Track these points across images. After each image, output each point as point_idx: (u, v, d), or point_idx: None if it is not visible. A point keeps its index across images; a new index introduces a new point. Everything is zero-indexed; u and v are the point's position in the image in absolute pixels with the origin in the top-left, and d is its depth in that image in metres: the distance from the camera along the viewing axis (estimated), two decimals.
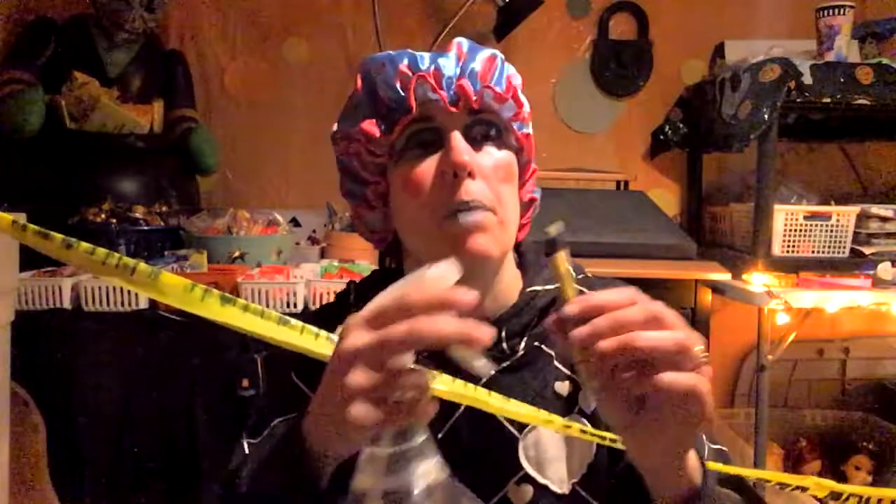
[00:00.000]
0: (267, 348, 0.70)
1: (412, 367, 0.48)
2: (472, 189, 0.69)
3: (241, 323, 0.63)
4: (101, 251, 0.59)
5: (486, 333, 0.48)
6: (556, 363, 0.77)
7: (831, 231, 1.94)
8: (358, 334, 0.50)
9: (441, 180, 0.70)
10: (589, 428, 0.72)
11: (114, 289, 1.70)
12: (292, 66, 2.44)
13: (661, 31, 2.48)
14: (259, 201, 2.36)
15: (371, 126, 0.72)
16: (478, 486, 0.60)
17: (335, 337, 0.68)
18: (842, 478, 2.16)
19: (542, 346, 0.77)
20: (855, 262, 1.93)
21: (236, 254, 1.94)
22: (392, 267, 0.85)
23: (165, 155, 2.18)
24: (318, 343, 0.66)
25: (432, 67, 0.70)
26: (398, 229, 0.77)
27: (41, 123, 1.97)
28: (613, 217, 2.02)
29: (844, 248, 1.95)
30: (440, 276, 0.51)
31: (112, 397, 1.69)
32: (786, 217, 1.92)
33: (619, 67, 2.48)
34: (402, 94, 0.70)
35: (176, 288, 0.60)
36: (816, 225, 1.93)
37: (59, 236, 0.59)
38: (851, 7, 1.88)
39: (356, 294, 0.84)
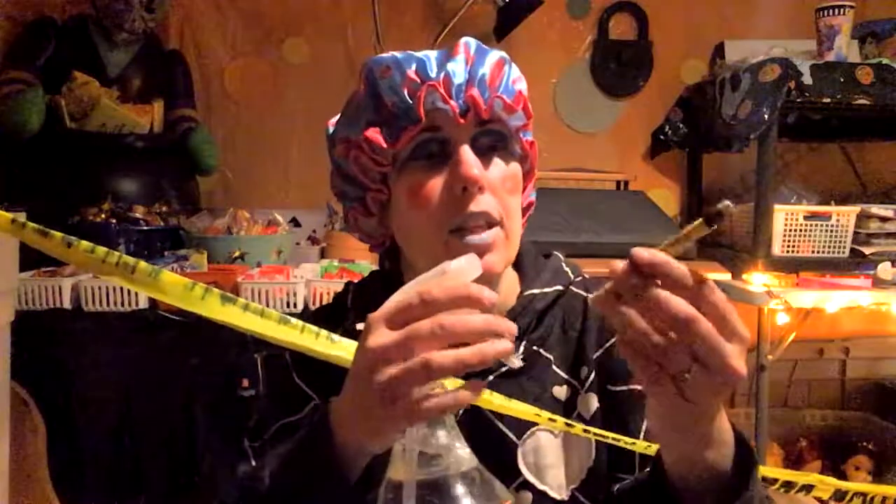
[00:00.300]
0: (267, 348, 0.69)
1: (425, 358, 0.48)
2: (481, 202, 0.68)
3: (241, 322, 0.63)
4: (101, 250, 0.59)
5: (511, 328, 0.49)
6: (554, 367, 0.77)
7: (831, 231, 1.93)
8: (382, 332, 0.50)
9: (449, 194, 0.69)
10: (591, 428, 0.72)
11: (114, 289, 1.70)
12: (292, 66, 2.44)
13: (661, 31, 2.48)
14: (259, 201, 2.36)
15: (375, 135, 0.70)
16: None
17: (335, 336, 0.68)
18: (842, 478, 2.16)
19: (541, 351, 0.77)
20: (855, 262, 1.93)
21: (236, 254, 1.94)
22: (390, 269, 0.84)
23: (165, 155, 2.18)
24: (318, 342, 0.66)
25: (442, 75, 0.68)
26: (399, 238, 0.76)
27: (41, 123, 1.97)
28: (613, 217, 2.02)
29: (844, 248, 1.94)
30: (462, 271, 0.52)
31: (112, 397, 1.69)
32: (786, 217, 1.92)
33: (619, 67, 2.48)
34: (410, 102, 0.68)
35: (176, 287, 0.60)
36: (816, 225, 1.93)
37: (59, 235, 0.59)
38: (851, 7, 1.88)
39: (354, 295, 0.83)
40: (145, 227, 1.98)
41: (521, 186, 0.75)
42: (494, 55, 0.72)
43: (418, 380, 0.48)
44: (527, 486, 0.73)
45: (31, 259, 1.65)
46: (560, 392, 0.76)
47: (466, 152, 0.68)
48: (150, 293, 0.61)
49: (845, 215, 1.93)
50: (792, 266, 1.91)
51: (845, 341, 2.46)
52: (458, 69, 0.69)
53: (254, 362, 1.68)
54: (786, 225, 1.92)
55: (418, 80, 0.69)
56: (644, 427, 0.74)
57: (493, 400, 0.68)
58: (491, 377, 0.73)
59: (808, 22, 1.96)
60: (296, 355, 0.69)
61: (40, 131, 1.97)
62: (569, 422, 0.70)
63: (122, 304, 1.70)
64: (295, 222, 2.35)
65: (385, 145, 0.70)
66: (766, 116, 1.83)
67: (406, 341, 0.49)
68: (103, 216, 1.94)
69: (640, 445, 0.71)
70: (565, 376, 0.77)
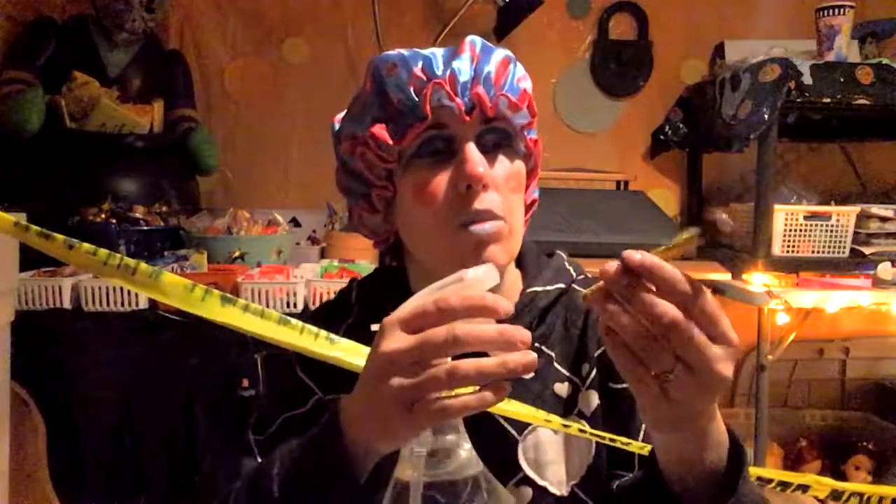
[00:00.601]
0: (267, 347, 0.69)
1: (450, 367, 0.48)
2: (485, 200, 0.69)
3: (241, 323, 0.63)
4: (103, 252, 0.59)
5: (525, 337, 0.49)
6: (555, 364, 0.77)
7: (831, 231, 1.94)
8: (397, 336, 0.50)
9: (454, 191, 0.69)
10: (588, 428, 0.72)
11: (114, 289, 1.70)
12: (292, 66, 2.44)
13: (661, 31, 2.48)
14: (259, 201, 2.36)
15: (381, 131, 0.70)
16: None
17: (335, 336, 0.68)
18: (842, 478, 2.16)
19: (543, 348, 0.77)
20: (855, 262, 1.93)
21: (236, 254, 1.94)
22: (394, 266, 0.84)
23: (165, 155, 2.18)
24: (317, 343, 0.66)
25: (448, 72, 0.69)
26: (404, 235, 0.76)
27: (41, 123, 1.97)
28: (613, 217, 2.02)
29: (844, 248, 1.95)
30: (479, 279, 0.52)
31: (112, 397, 1.69)
32: (786, 217, 1.92)
33: (619, 67, 2.48)
34: (416, 99, 0.69)
35: (177, 288, 0.61)
36: (816, 225, 1.93)
37: (60, 237, 0.59)
38: (851, 7, 1.88)
39: (358, 292, 0.83)
40: (145, 228, 1.98)
41: (524, 184, 0.75)
42: (500, 53, 0.72)
43: (440, 387, 0.49)
44: (527, 481, 0.73)
45: (31, 259, 1.65)
46: (561, 389, 0.76)
47: (472, 150, 0.69)
48: (151, 294, 0.61)
49: (845, 215, 1.93)
50: (792, 266, 1.91)
51: (845, 341, 2.46)
52: (463, 67, 0.70)
53: (254, 362, 1.68)
54: (786, 225, 1.92)
55: (424, 78, 0.69)
56: (644, 426, 0.74)
57: None
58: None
59: (808, 22, 1.96)
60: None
61: (40, 131, 1.97)
62: (565, 422, 0.70)
63: (122, 304, 1.71)
64: (295, 222, 2.35)
65: (391, 142, 0.70)
66: (766, 116, 1.83)
67: (420, 347, 0.49)
68: (103, 216, 1.94)
69: (636, 446, 0.71)
70: (567, 373, 0.77)
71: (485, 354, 0.50)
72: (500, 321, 0.50)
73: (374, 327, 0.53)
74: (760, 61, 1.90)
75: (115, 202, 1.99)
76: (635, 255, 0.47)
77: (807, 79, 1.83)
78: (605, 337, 0.51)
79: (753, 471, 0.72)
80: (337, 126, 0.79)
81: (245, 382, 1.68)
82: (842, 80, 1.84)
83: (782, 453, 2.23)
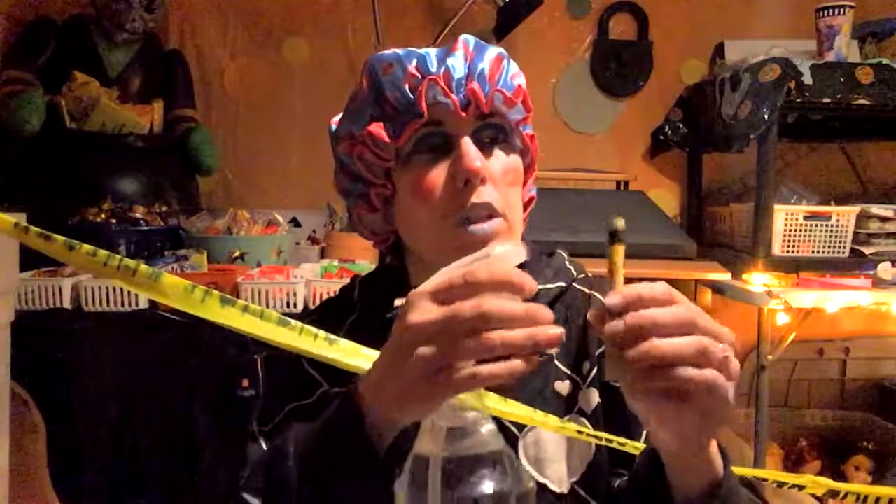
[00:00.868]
0: (267, 348, 0.70)
1: (477, 337, 0.49)
2: (483, 193, 0.69)
3: (240, 324, 0.63)
4: (103, 253, 0.59)
5: (550, 316, 0.49)
6: (556, 362, 0.77)
7: (831, 231, 1.94)
8: (425, 308, 0.51)
9: (452, 186, 0.69)
10: (585, 428, 0.72)
11: (114, 289, 1.70)
12: (292, 66, 2.44)
13: (661, 31, 2.48)
14: (259, 201, 2.36)
15: (379, 129, 0.71)
16: None
17: (333, 337, 0.68)
18: (842, 478, 2.16)
19: None
20: (855, 262, 1.93)
21: (236, 254, 1.94)
22: (395, 264, 0.84)
23: (165, 155, 2.18)
24: (316, 344, 0.66)
25: (442, 69, 0.70)
26: (403, 233, 0.77)
27: (41, 123, 1.97)
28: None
29: (844, 248, 1.95)
30: (506, 256, 0.53)
31: (112, 397, 1.69)
32: (786, 217, 1.92)
33: (619, 67, 2.48)
34: (412, 97, 0.70)
35: (176, 289, 0.61)
36: (816, 225, 1.93)
37: (61, 238, 0.59)
38: (851, 7, 1.88)
39: (361, 289, 0.84)
40: (145, 228, 1.98)
41: (522, 179, 0.76)
42: (493, 51, 0.73)
43: (466, 356, 0.49)
44: None
45: (31, 259, 1.65)
46: (562, 387, 0.77)
47: (468, 145, 0.69)
48: (151, 296, 0.61)
49: (845, 215, 1.93)
50: (792, 266, 1.91)
51: (845, 341, 2.45)
52: (457, 64, 0.70)
53: (254, 362, 1.68)
54: (786, 225, 1.93)
55: (419, 76, 0.70)
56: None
57: (486, 402, 0.68)
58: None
59: (808, 22, 1.96)
60: None
61: (40, 131, 1.98)
62: (562, 424, 0.70)
63: (122, 304, 1.71)
64: (295, 222, 2.35)
65: (388, 140, 0.71)
66: (766, 116, 1.83)
67: (447, 319, 0.49)
68: (103, 216, 1.94)
69: (631, 446, 0.71)
70: (567, 371, 0.77)
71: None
72: (524, 300, 0.50)
73: (399, 302, 0.53)
74: (760, 61, 1.90)
75: (115, 202, 1.99)
76: (616, 299, 0.50)
77: (807, 79, 1.83)
78: (608, 358, 0.53)
79: (750, 471, 0.72)
80: (334, 127, 0.79)
81: (245, 382, 1.68)
82: (842, 80, 1.84)
83: (782, 453, 2.22)
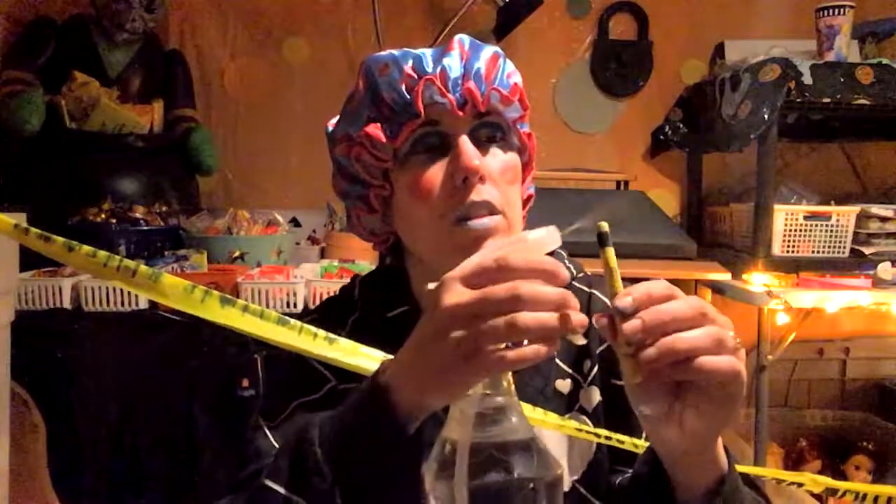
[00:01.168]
0: (267, 347, 0.69)
1: (510, 318, 0.49)
2: (482, 191, 0.69)
3: (240, 324, 0.63)
4: (103, 254, 0.59)
5: (577, 302, 0.50)
6: (557, 361, 0.77)
7: (831, 231, 1.94)
8: (458, 291, 0.50)
9: (450, 185, 0.69)
10: (584, 426, 0.72)
11: (114, 289, 1.70)
12: (292, 66, 2.44)
13: (661, 31, 2.48)
14: (259, 201, 2.36)
15: (376, 130, 0.71)
16: None
17: (333, 336, 0.68)
18: (842, 478, 2.16)
19: None
20: (855, 262, 1.93)
21: (236, 254, 1.94)
22: (394, 265, 0.84)
23: (165, 155, 2.18)
24: (316, 343, 0.66)
25: (438, 69, 0.70)
26: (402, 233, 0.77)
27: (41, 123, 1.97)
28: (613, 217, 2.01)
29: (844, 248, 1.95)
30: (541, 241, 0.53)
31: (112, 397, 1.69)
32: (786, 217, 1.92)
33: (619, 67, 2.48)
34: (409, 97, 0.70)
35: (176, 289, 0.61)
36: (816, 225, 1.93)
37: (60, 239, 0.59)
38: (851, 7, 1.88)
39: (361, 288, 0.83)
40: (145, 227, 1.98)
41: (520, 177, 0.76)
42: (488, 50, 0.73)
43: (499, 338, 0.49)
44: None
45: (31, 259, 1.65)
46: (563, 385, 0.77)
47: (466, 143, 0.69)
48: (151, 296, 0.61)
49: (845, 215, 1.93)
50: (792, 266, 1.91)
51: (845, 341, 2.45)
52: (453, 64, 0.70)
53: (254, 362, 1.68)
54: (786, 225, 1.93)
55: (415, 76, 0.70)
56: None
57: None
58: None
59: (808, 22, 1.96)
60: None
61: (40, 131, 1.98)
62: (562, 422, 0.70)
63: (122, 304, 1.71)
64: (295, 222, 2.35)
65: (385, 140, 0.71)
66: (766, 116, 1.83)
67: (481, 302, 0.49)
68: (103, 216, 1.94)
69: (629, 444, 0.72)
70: (568, 370, 0.77)
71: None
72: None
73: (431, 286, 0.53)
74: (760, 61, 1.90)
75: (115, 202, 1.99)
76: (626, 301, 0.50)
77: (807, 79, 1.83)
78: (626, 365, 0.53)
79: (750, 469, 0.72)
80: (331, 129, 0.79)
81: (245, 382, 1.68)
82: (842, 80, 1.84)
83: (782, 453, 2.22)
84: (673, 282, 0.53)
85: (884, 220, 1.96)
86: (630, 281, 0.54)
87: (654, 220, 2.05)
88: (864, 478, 2.15)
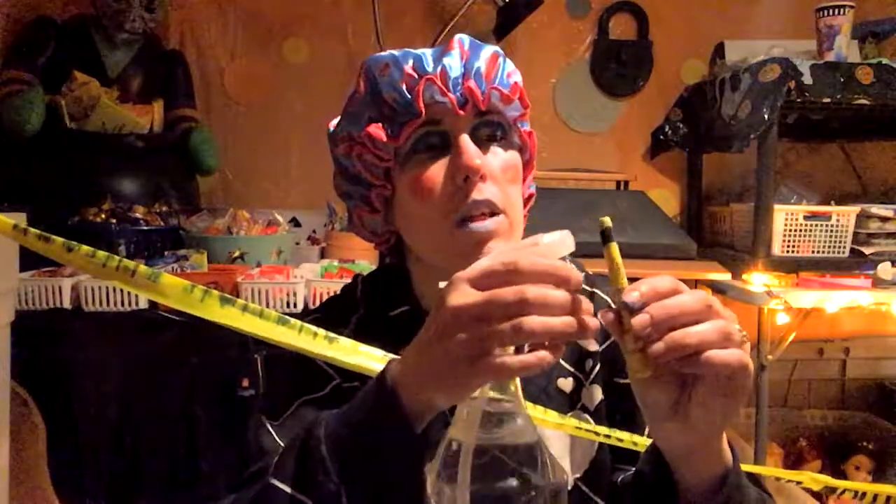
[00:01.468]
0: (267, 347, 0.69)
1: (516, 321, 0.48)
2: (484, 190, 0.69)
3: (240, 323, 0.63)
4: (102, 254, 0.59)
5: (590, 308, 0.49)
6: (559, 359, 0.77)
7: (831, 231, 1.94)
8: (465, 292, 0.50)
9: (452, 184, 0.69)
10: (584, 424, 0.72)
11: (114, 289, 1.70)
12: (292, 66, 2.44)
13: (661, 31, 2.48)
14: (259, 201, 2.36)
15: (377, 130, 0.71)
16: None
17: (333, 335, 0.68)
18: (842, 477, 2.16)
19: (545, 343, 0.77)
20: (855, 262, 1.93)
21: (236, 254, 1.94)
22: (396, 264, 0.84)
23: (165, 155, 2.18)
24: (316, 342, 0.66)
25: (438, 69, 0.70)
26: (404, 233, 0.77)
27: (41, 123, 1.97)
28: (613, 217, 2.02)
29: (844, 248, 1.95)
30: (553, 245, 0.52)
31: (112, 397, 1.69)
32: (786, 217, 1.92)
33: (619, 67, 2.48)
34: (409, 97, 0.70)
35: (176, 289, 0.61)
36: (816, 225, 1.93)
37: (60, 240, 0.59)
38: (851, 7, 1.88)
39: (363, 287, 0.84)
40: (145, 227, 1.98)
41: (521, 176, 0.76)
42: (488, 49, 0.74)
43: (504, 341, 0.49)
44: None
45: (31, 259, 1.65)
46: (565, 384, 0.77)
47: (466, 142, 0.69)
48: (151, 296, 0.61)
49: (845, 215, 1.93)
50: (792, 266, 1.91)
51: (845, 341, 2.46)
52: (454, 63, 0.71)
53: (254, 362, 1.68)
54: (786, 225, 1.93)
55: (416, 76, 0.70)
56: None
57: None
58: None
59: (808, 22, 1.96)
60: None
61: (40, 131, 1.98)
62: (562, 420, 0.70)
63: (122, 304, 1.71)
64: (295, 222, 2.35)
65: (386, 140, 0.71)
66: (766, 116, 1.83)
67: (487, 304, 0.49)
68: (103, 216, 1.94)
69: (627, 441, 0.72)
70: (570, 369, 0.78)
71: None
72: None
73: (442, 284, 0.53)
74: (760, 61, 1.90)
75: (115, 202, 1.99)
76: (634, 296, 0.51)
77: (807, 79, 1.83)
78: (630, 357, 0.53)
79: (748, 467, 0.72)
80: (332, 129, 0.79)
81: (245, 382, 1.68)
82: (842, 80, 1.84)
83: (782, 453, 2.23)
84: None
85: (884, 220, 1.96)
86: (630, 281, 0.54)
87: (654, 220, 2.05)
88: (864, 478, 2.15)
